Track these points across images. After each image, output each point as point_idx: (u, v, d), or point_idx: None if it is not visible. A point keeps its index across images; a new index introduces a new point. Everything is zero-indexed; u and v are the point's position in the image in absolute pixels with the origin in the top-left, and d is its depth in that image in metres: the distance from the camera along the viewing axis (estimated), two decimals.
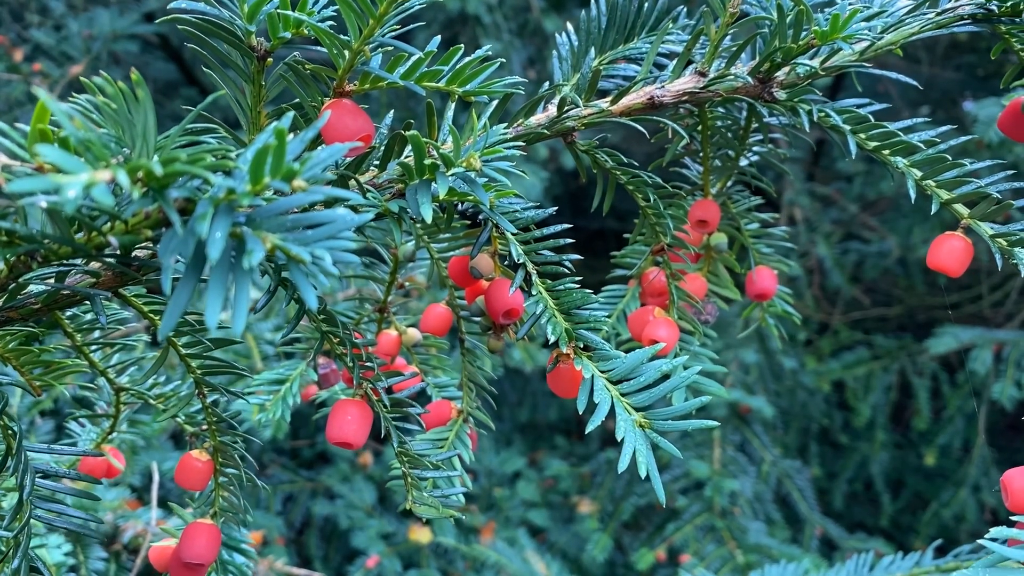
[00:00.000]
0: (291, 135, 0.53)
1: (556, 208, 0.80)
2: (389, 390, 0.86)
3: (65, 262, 0.70)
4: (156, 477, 1.78)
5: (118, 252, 0.68)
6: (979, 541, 0.63)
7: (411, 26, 0.74)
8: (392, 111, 0.83)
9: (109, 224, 0.54)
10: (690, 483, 3.24)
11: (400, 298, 1.13)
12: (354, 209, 0.71)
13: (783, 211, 3.97)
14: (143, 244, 0.67)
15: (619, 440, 0.66)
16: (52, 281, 0.73)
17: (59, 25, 3.72)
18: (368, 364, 0.82)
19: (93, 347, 0.94)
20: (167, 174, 0.44)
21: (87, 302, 0.76)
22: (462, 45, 0.69)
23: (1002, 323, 4.02)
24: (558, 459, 3.77)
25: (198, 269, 0.49)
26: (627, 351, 1.00)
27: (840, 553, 3.34)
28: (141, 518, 1.71)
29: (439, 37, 0.73)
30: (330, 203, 0.70)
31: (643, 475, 0.65)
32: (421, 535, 2.90)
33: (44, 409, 2.15)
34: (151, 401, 1.01)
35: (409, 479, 0.84)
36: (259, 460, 3.32)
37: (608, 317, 1.04)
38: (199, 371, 0.87)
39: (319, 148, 0.50)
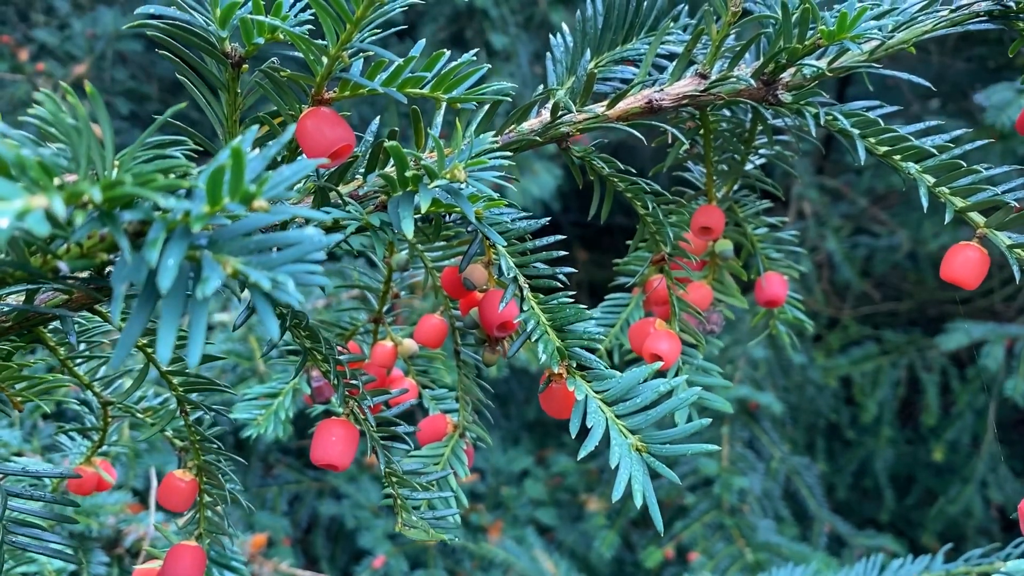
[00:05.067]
0: (256, 150, 0.49)
1: (554, 203, 0.77)
2: (386, 406, 0.83)
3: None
4: (154, 482, 1.76)
5: (85, 275, 0.64)
6: (1000, 567, 0.60)
7: (395, 26, 0.70)
8: (379, 118, 0.79)
9: (65, 247, 0.51)
10: (698, 480, 3.20)
11: (405, 299, 1.10)
12: (337, 223, 0.68)
13: (792, 205, 3.92)
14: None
15: (613, 466, 0.63)
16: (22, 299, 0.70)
17: (63, 24, 3.70)
18: (353, 382, 0.78)
19: (79, 360, 0.91)
20: (108, 199, 0.41)
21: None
22: (446, 51, 0.65)
23: (1014, 317, 3.97)
24: (566, 456, 3.73)
25: (152, 297, 0.45)
26: (630, 364, 0.97)
27: (849, 550, 3.31)
28: (143, 522, 1.69)
29: (424, 41, 0.69)
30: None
31: (638, 504, 0.61)
32: None
33: (47, 413, 2.12)
34: (138, 415, 0.98)
35: (399, 500, 0.81)
36: (264, 460, 3.30)
37: (612, 327, 1.01)
38: (181, 388, 0.84)
39: (283, 166, 0.46)
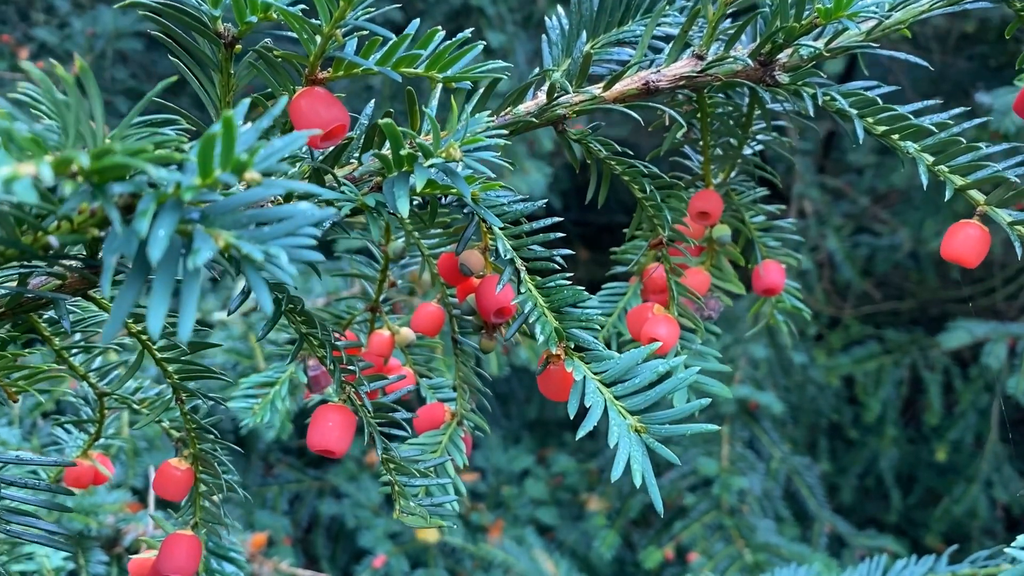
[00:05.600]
0: (248, 124, 0.49)
1: (555, 201, 0.76)
2: (383, 393, 0.82)
3: (25, 264, 0.66)
4: (153, 479, 1.75)
5: (82, 254, 0.64)
6: (1004, 549, 0.59)
7: (392, 23, 0.69)
8: (374, 101, 0.79)
9: (56, 224, 0.51)
10: (698, 480, 3.20)
11: (404, 296, 1.09)
12: (331, 203, 0.67)
13: (793, 204, 3.92)
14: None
15: (611, 446, 0.62)
16: (15, 284, 0.70)
17: (63, 23, 3.70)
18: (350, 368, 0.78)
19: (74, 351, 0.91)
20: (98, 168, 0.40)
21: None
22: (440, 27, 0.65)
23: (1016, 316, 3.96)
24: (566, 455, 3.73)
25: (143, 271, 0.44)
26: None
27: (850, 551, 3.30)
28: (142, 521, 1.69)
29: (418, 21, 0.69)
30: (305, 196, 0.66)
31: (637, 483, 0.61)
32: (428, 534, 2.87)
33: (46, 411, 2.12)
34: (134, 406, 0.97)
35: (397, 487, 0.80)
36: (265, 459, 3.29)
37: (609, 316, 1.00)
38: (176, 376, 0.83)
39: (275, 138, 0.46)
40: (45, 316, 0.83)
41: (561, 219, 0.74)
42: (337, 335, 0.81)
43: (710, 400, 0.64)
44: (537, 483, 3.50)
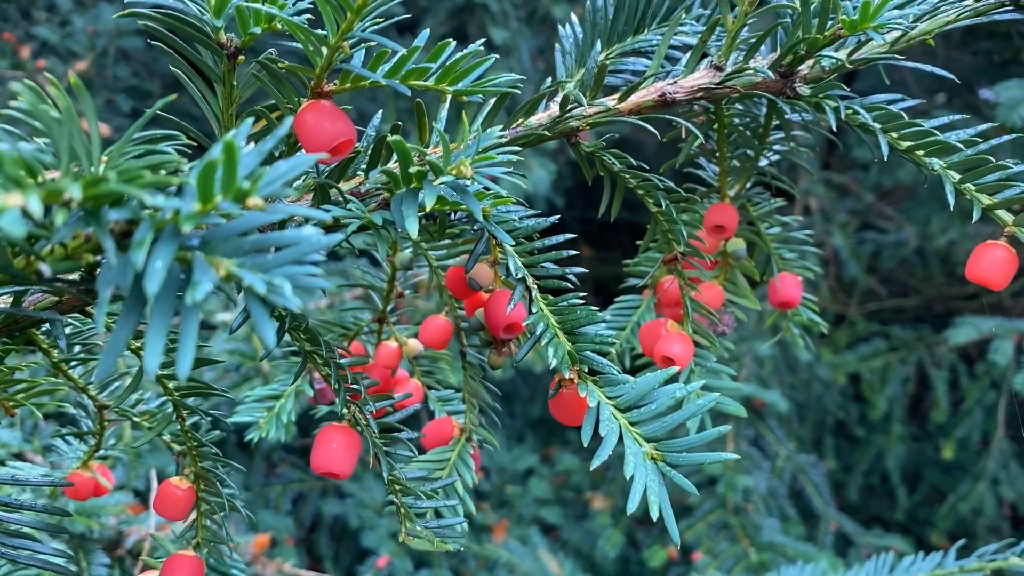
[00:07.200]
0: (251, 144, 0.46)
1: (557, 199, 0.73)
2: (392, 409, 0.80)
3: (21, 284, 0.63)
4: (155, 483, 1.74)
5: (74, 277, 0.62)
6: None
7: (397, 19, 0.67)
8: (381, 111, 0.76)
9: (49, 248, 0.48)
10: (703, 479, 3.17)
11: (409, 299, 1.07)
12: (338, 222, 0.65)
13: (798, 201, 3.89)
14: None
15: (628, 477, 0.60)
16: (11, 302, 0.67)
17: (65, 21, 3.68)
18: (355, 386, 0.75)
19: (74, 363, 0.89)
20: (90, 197, 0.38)
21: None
22: (452, 40, 0.62)
23: (1022, 313, 3.93)
24: (570, 454, 3.71)
25: (139, 302, 0.42)
26: (642, 367, 0.94)
27: (856, 549, 3.28)
28: (144, 523, 1.67)
29: (428, 31, 0.66)
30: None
31: (654, 516, 0.59)
32: None
33: (48, 412, 2.10)
34: (135, 419, 0.95)
35: (402, 509, 0.78)
36: (268, 459, 3.27)
37: (622, 330, 0.98)
38: (177, 393, 0.81)
39: (279, 161, 0.43)
40: (44, 327, 0.81)
41: (575, 236, 0.72)
42: (342, 351, 0.78)
43: (728, 428, 0.62)
44: (541, 482, 3.48)
